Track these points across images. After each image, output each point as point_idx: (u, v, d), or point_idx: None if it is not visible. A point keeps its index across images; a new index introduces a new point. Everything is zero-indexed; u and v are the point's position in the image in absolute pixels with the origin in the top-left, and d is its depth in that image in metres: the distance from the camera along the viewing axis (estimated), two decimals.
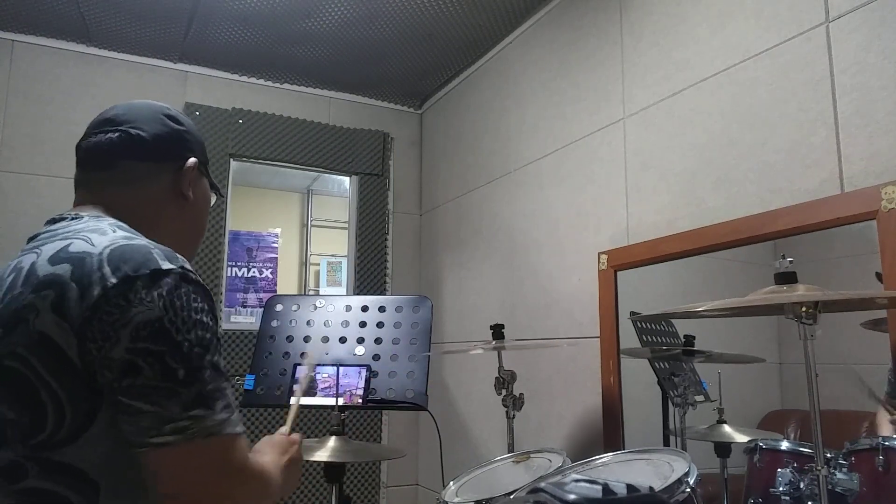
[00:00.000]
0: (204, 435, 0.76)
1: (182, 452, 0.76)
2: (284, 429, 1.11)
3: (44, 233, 0.90)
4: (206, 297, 0.84)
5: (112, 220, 0.91)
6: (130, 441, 0.76)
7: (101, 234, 0.84)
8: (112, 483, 0.77)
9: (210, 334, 0.81)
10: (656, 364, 1.78)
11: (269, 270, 3.21)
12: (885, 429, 1.24)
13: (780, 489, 1.25)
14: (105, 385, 0.75)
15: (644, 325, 1.78)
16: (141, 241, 0.85)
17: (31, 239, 0.91)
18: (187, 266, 0.84)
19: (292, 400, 1.40)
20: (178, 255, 0.85)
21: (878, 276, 1.24)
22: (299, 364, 1.96)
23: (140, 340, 0.75)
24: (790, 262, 1.13)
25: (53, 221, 0.92)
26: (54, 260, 0.80)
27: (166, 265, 0.81)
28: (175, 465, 0.76)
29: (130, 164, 0.97)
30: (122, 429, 0.76)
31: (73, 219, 0.91)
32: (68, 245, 0.82)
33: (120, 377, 0.75)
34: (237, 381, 2.62)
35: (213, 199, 1.13)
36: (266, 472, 0.87)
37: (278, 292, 3.28)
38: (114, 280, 0.77)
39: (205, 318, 0.81)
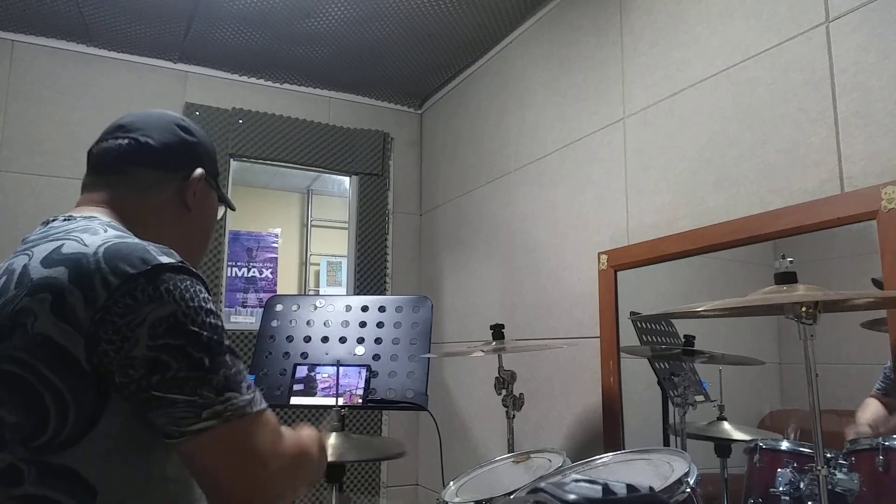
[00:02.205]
0: (239, 416, 0.78)
1: (220, 435, 0.77)
2: None
3: (35, 234, 0.90)
4: (205, 287, 0.85)
5: (104, 220, 0.91)
6: (168, 433, 0.76)
7: (92, 233, 0.84)
8: (110, 489, 0.77)
9: (219, 321, 0.83)
10: (656, 364, 1.78)
11: (269, 270, 3.21)
12: (868, 413, 1.24)
13: (780, 489, 1.25)
14: (131, 384, 0.76)
15: (644, 325, 1.78)
16: (133, 239, 0.85)
17: (24, 240, 0.91)
18: (184, 261, 0.85)
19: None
20: (173, 251, 0.85)
21: (874, 281, 1.24)
22: (299, 364, 1.97)
23: (159, 337, 0.76)
24: (790, 262, 1.13)
25: (47, 223, 0.92)
26: (47, 262, 0.80)
27: (165, 259, 0.81)
28: (215, 448, 0.78)
29: (137, 171, 0.98)
30: (156, 423, 0.76)
31: (65, 220, 0.91)
32: (60, 246, 0.82)
33: (147, 374, 0.75)
34: None
35: (222, 211, 1.13)
36: (302, 441, 0.89)
37: (278, 292, 3.28)
38: (116, 281, 0.77)
39: (211, 307, 0.83)
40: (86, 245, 0.81)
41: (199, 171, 1.03)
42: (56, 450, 0.75)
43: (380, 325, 2.02)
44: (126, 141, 0.98)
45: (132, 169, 0.98)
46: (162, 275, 0.79)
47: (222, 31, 2.54)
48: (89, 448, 0.76)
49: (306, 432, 0.96)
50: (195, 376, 0.77)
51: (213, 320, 0.81)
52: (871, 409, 1.26)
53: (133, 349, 0.75)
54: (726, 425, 1.53)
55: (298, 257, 4.40)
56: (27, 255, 0.84)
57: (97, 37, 2.60)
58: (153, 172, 0.99)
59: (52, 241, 0.84)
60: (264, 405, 0.83)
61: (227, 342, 0.82)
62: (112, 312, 0.76)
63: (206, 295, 0.84)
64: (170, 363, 0.76)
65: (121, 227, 0.91)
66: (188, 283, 0.81)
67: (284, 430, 0.86)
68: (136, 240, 0.85)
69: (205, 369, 0.77)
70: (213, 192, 1.09)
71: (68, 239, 0.83)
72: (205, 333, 0.79)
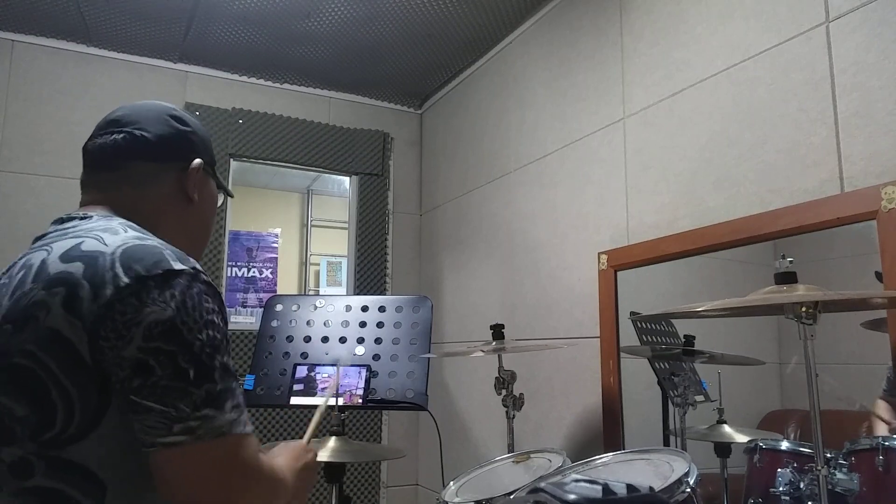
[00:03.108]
0: (213, 435, 0.76)
1: (191, 452, 0.75)
2: (304, 439, 1.09)
3: (52, 231, 0.90)
4: (216, 298, 0.84)
5: (122, 220, 0.91)
6: (141, 440, 0.76)
7: (112, 233, 0.84)
8: (119, 484, 0.77)
9: (220, 335, 0.82)
10: (656, 364, 1.77)
11: (269, 270, 3.21)
12: (882, 421, 1.24)
13: (780, 489, 1.25)
14: (117, 384, 0.75)
15: (644, 325, 1.78)
16: (153, 241, 0.85)
17: (38, 238, 0.91)
18: (198, 267, 0.84)
19: (318, 402, 1.41)
20: (190, 257, 0.85)
21: (878, 274, 1.24)
22: (299, 364, 1.96)
23: (152, 340, 0.75)
24: (790, 262, 1.14)
25: (62, 221, 0.92)
26: (66, 258, 0.80)
27: (178, 266, 0.81)
28: (183, 466, 0.76)
29: (135, 165, 0.97)
30: (134, 428, 0.76)
31: (82, 218, 0.91)
32: (80, 243, 0.82)
33: (131, 376, 0.75)
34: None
35: (221, 199, 1.13)
36: (276, 473, 0.86)
37: (278, 292, 3.28)
38: (126, 280, 0.77)
39: (215, 319, 0.82)
40: (106, 244, 0.81)
41: (197, 160, 1.02)
42: (64, 445, 0.75)
43: (380, 325, 2.02)
44: (121, 136, 0.97)
45: (128, 164, 0.97)
46: (172, 280, 0.79)
47: (222, 31, 2.54)
48: (97, 444, 0.76)
49: (283, 461, 0.92)
50: (175, 387, 0.75)
51: (211, 332, 0.80)
52: (884, 408, 1.25)
53: (125, 348, 0.75)
54: (727, 428, 1.53)
55: (298, 257, 4.40)
56: (46, 250, 0.84)
57: (97, 37, 2.60)
58: (150, 165, 0.98)
59: (73, 238, 0.84)
60: (248, 429, 0.80)
61: (222, 357, 0.80)
62: (114, 310, 0.76)
63: (213, 306, 0.82)
64: (155, 368, 0.75)
65: (138, 228, 0.90)
66: (196, 290, 0.80)
67: (262, 457, 0.82)
68: (156, 242, 0.84)
69: (187, 381, 0.76)
70: (212, 181, 1.08)
71: (88, 237, 0.84)
72: (197, 345, 0.78)
